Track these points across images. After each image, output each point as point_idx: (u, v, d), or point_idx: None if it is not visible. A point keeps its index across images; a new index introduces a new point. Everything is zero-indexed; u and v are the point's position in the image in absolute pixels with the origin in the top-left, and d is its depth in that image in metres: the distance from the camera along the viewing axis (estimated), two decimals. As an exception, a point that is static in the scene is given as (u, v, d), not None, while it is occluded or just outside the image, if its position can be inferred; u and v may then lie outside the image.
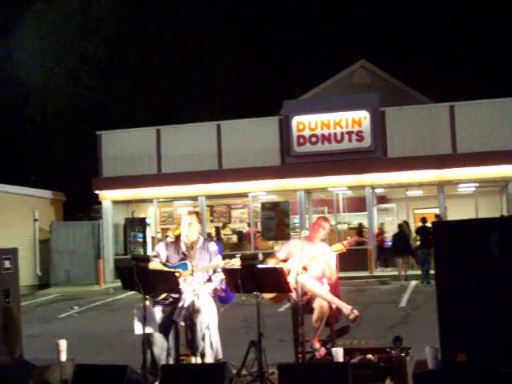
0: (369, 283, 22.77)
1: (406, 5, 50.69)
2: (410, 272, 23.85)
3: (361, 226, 27.65)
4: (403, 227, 24.40)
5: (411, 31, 48.64)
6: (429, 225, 23.37)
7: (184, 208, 29.48)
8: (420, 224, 24.48)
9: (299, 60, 47.42)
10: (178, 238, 8.55)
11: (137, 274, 7.46)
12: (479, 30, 46.04)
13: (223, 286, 8.47)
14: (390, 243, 25.95)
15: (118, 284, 24.80)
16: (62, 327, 16.71)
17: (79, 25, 35.31)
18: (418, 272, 23.46)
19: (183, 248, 8.43)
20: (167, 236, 9.00)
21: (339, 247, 8.54)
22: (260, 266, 7.64)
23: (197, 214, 8.69)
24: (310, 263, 8.43)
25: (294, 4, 51.44)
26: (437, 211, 26.15)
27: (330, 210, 29.00)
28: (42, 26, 35.05)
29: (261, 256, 7.91)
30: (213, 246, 8.51)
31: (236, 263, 8.10)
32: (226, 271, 7.78)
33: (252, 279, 7.43)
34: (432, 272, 21.97)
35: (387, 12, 51.30)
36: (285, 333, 10.51)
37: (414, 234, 25.13)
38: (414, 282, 22.41)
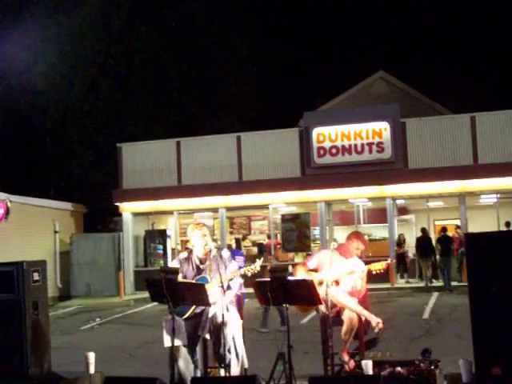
0: (391, 295, 22.65)
1: (423, 16, 50.70)
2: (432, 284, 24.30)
3: (400, 237, 27.33)
4: (426, 231, 24.99)
5: (429, 42, 48.62)
6: (449, 234, 24.54)
7: (203, 220, 29.55)
8: (441, 233, 24.76)
9: (318, 72, 47.48)
10: (190, 252, 8.46)
11: (166, 286, 7.42)
12: (499, 40, 45.92)
13: (242, 291, 8.43)
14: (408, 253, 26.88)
15: (139, 296, 25.01)
16: (85, 339, 16.70)
17: (98, 37, 35.46)
18: (440, 283, 24.02)
19: (197, 261, 8.34)
20: (187, 248, 8.96)
21: (378, 267, 8.46)
22: (290, 278, 7.60)
23: (205, 225, 8.67)
24: (344, 277, 8.39)
25: (313, 16, 51.58)
26: (458, 222, 26.13)
27: (336, 222, 28.93)
28: (62, 39, 35.22)
29: (290, 268, 7.89)
30: (225, 253, 8.41)
31: (257, 268, 8.08)
32: (255, 284, 7.70)
33: (282, 291, 7.39)
34: (460, 284, 22.48)
35: (405, 23, 51.29)
36: (308, 345, 10.48)
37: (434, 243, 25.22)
38: (436, 294, 22.28)
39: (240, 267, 8.37)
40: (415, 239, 25.75)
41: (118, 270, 27.55)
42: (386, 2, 54.11)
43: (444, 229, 24.73)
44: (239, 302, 8.52)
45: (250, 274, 8.10)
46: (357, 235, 8.98)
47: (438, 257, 24.49)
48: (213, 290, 8.03)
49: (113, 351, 13.93)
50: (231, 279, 8.26)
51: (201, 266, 8.29)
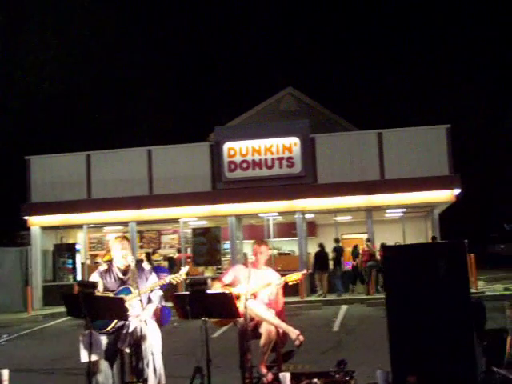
0: (300, 308, 22.88)
1: (331, 33, 51.57)
2: (336, 297, 25.00)
3: (357, 248, 27.40)
4: (323, 246, 26.01)
5: (337, 59, 49.48)
6: (340, 245, 26.43)
7: (113, 234, 29.24)
8: (335, 244, 26.27)
9: (228, 87, 47.72)
10: (110, 265, 8.46)
11: (83, 301, 7.36)
12: (402, 57, 47.06)
13: (163, 303, 8.46)
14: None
15: (48, 311, 24.61)
16: (-7, 356, 16.29)
17: (7, 48, 34.83)
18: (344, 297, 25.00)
19: (119, 274, 8.35)
20: (96, 262, 8.95)
21: (294, 277, 8.61)
22: (209, 291, 7.66)
23: (126, 238, 8.73)
24: (261, 290, 8.50)
25: (224, 31, 51.83)
26: (365, 236, 26.67)
27: (246, 236, 29.15)
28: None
29: (210, 282, 7.95)
30: (146, 265, 8.47)
31: (182, 276, 8.17)
32: (174, 297, 7.74)
33: (201, 305, 7.46)
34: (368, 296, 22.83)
35: (313, 40, 52.10)
36: (220, 359, 10.50)
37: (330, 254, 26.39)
38: (344, 307, 22.62)
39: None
40: (314, 254, 26.42)
41: (26, 285, 27.00)
42: (294, 18, 54.90)
43: (337, 240, 26.38)
44: (159, 315, 8.52)
45: (175, 283, 8.16)
46: (256, 242, 9.25)
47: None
48: (134, 302, 8.05)
49: (25, 368, 13.63)
50: (152, 291, 8.29)
51: (123, 278, 8.29)
